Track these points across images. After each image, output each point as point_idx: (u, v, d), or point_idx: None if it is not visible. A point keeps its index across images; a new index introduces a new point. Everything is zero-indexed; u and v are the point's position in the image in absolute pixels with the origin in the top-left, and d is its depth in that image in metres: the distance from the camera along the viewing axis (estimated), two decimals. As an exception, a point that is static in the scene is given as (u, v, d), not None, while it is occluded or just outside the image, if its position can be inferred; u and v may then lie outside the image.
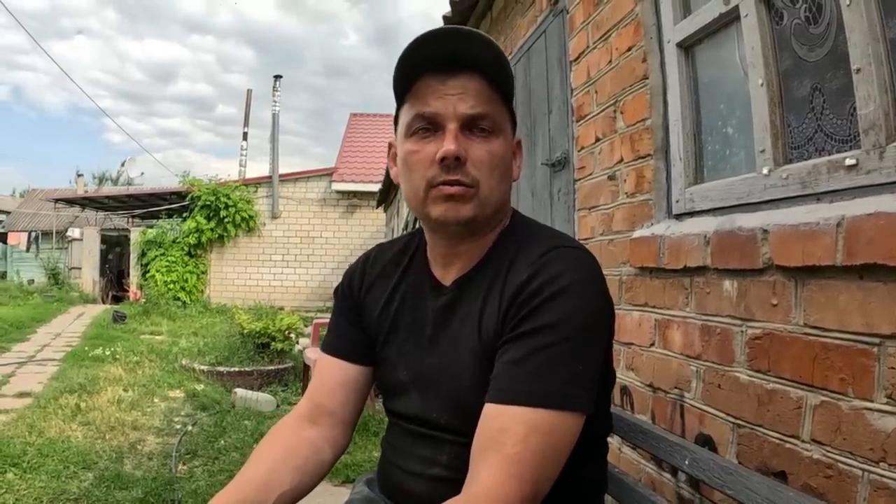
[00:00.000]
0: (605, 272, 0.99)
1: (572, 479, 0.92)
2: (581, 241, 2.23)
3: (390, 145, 1.08)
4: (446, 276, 1.05)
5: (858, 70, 1.10)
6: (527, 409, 0.85)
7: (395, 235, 11.24)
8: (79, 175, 29.40)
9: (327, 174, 15.40)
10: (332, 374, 1.11)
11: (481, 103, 0.95)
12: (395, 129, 1.04)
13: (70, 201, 18.08)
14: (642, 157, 1.84)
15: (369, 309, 1.11)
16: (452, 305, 1.02)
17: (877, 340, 1.01)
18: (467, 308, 1.00)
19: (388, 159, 1.10)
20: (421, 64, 0.96)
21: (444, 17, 3.92)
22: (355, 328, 1.12)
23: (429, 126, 0.96)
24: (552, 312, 0.88)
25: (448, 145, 0.93)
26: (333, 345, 1.13)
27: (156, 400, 5.16)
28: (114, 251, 18.67)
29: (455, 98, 0.95)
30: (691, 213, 1.65)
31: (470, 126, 0.95)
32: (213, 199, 14.22)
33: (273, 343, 6.63)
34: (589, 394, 0.88)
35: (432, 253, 1.08)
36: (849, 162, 1.13)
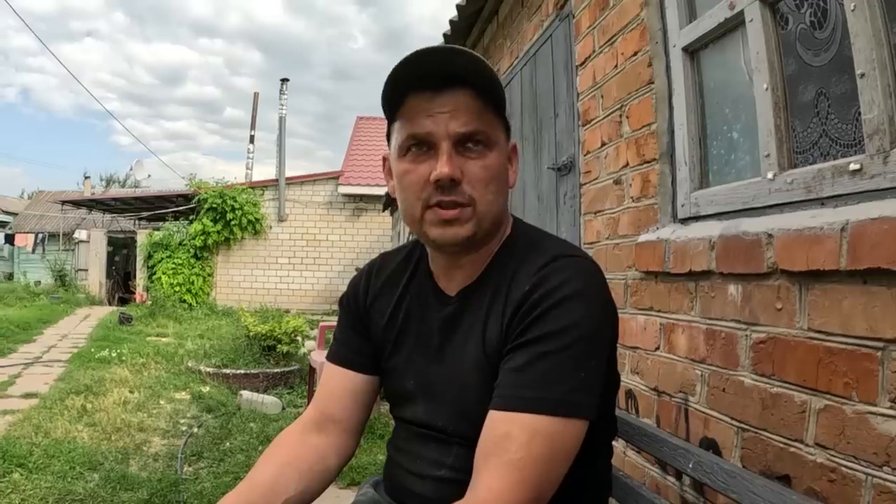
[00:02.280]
0: (610, 276, 1.00)
1: (577, 483, 0.92)
2: (587, 245, 2.24)
3: (384, 159, 1.07)
4: (450, 286, 1.06)
5: (862, 75, 1.11)
6: (530, 416, 0.85)
7: (402, 239, 11.26)
8: (86, 177, 29.63)
9: (334, 177, 15.41)
10: (339, 383, 1.12)
11: (473, 119, 0.94)
12: (388, 145, 1.03)
13: (77, 203, 18.16)
14: (648, 162, 1.84)
15: (376, 319, 1.12)
16: (457, 317, 1.03)
17: (880, 345, 1.01)
18: (471, 319, 1.01)
19: (384, 173, 1.09)
20: (410, 82, 0.95)
21: (451, 22, 3.93)
22: (361, 338, 1.13)
23: (422, 145, 0.96)
24: (555, 320, 0.89)
25: (442, 167, 0.92)
26: (339, 354, 1.14)
27: (161, 402, 5.17)
28: (120, 253, 18.74)
29: (446, 116, 0.93)
30: (696, 218, 1.65)
31: (463, 143, 0.95)
32: (219, 201, 14.24)
33: (279, 346, 6.64)
34: (592, 401, 0.89)
35: (434, 265, 1.08)
36: (853, 167, 1.13)
